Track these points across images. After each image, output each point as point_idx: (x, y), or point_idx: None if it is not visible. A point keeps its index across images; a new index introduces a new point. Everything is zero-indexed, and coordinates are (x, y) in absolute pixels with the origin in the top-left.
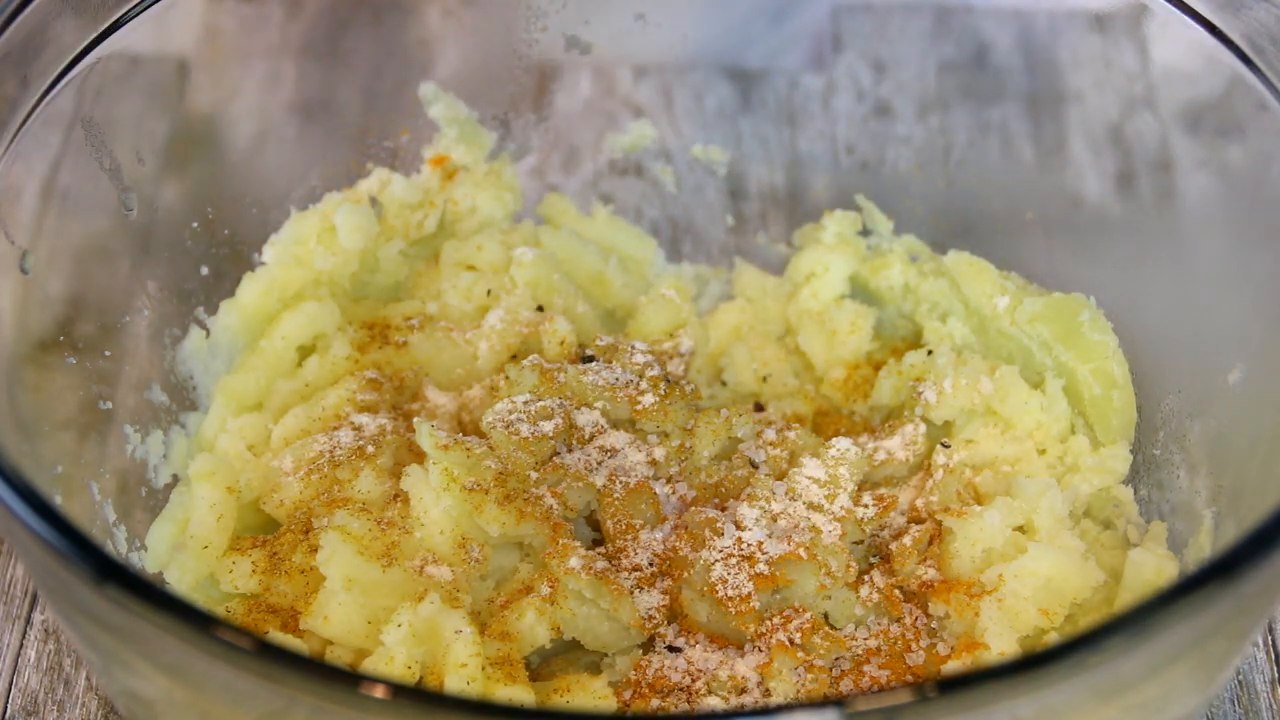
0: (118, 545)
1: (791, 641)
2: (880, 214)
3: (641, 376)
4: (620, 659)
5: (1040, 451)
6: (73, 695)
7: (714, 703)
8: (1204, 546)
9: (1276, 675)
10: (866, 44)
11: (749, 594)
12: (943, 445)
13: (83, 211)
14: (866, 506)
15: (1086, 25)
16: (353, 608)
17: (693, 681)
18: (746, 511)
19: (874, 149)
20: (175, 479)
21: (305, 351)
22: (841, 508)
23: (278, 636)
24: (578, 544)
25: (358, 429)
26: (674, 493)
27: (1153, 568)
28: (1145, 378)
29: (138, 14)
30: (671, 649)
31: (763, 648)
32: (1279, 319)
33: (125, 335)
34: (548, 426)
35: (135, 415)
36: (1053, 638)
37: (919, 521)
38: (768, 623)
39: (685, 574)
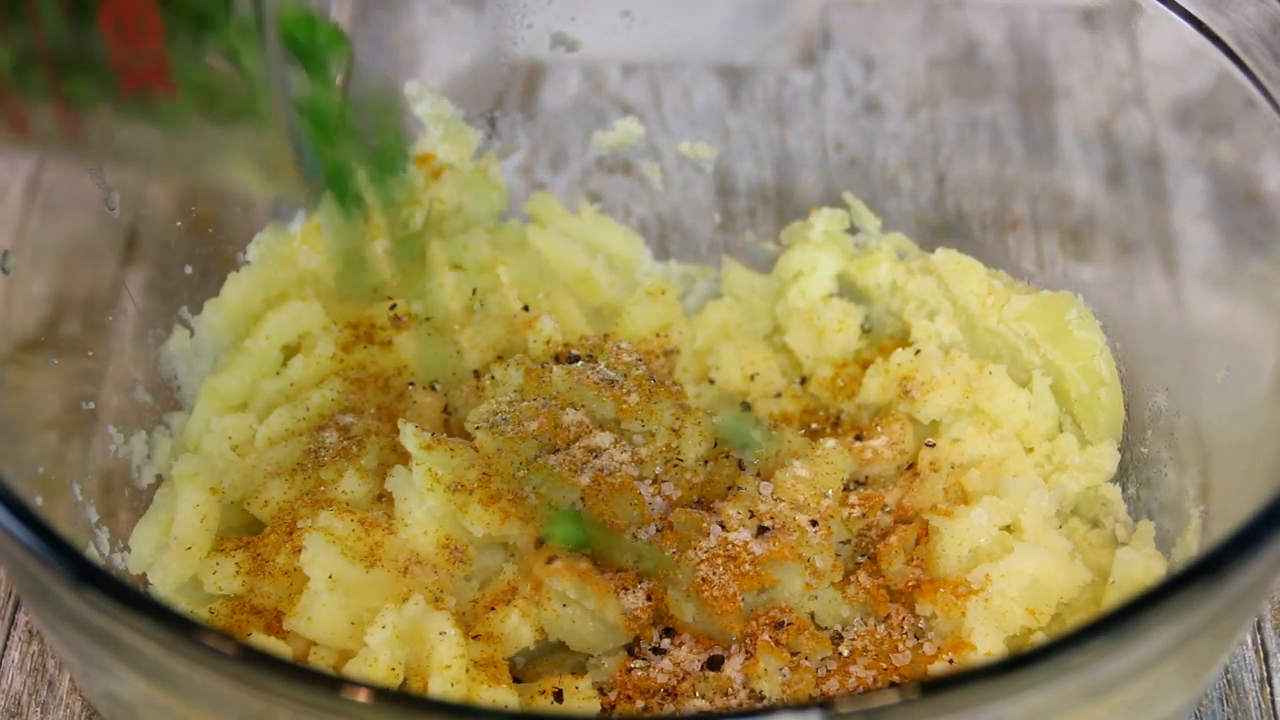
0: (100, 547)
1: (777, 642)
2: (868, 211)
3: (627, 376)
4: (606, 660)
5: (1028, 450)
6: (56, 697)
7: (699, 704)
8: (1191, 545)
9: (1265, 674)
10: (856, 40)
11: (735, 594)
12: (927, 444)
13: (66, 211)
14: (853, 506)
15: (1076, 21)
16: (336, 609)
17: (678, 682)
18: (732, 512)
19: (863, 146)
20: (159, 479)
21: (290, 351)
22: (828, 507)
23: (260, 639)
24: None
25: (342, 429)
26: (659, 493)
27: (1140, 567)
28: (1133, 376)
29: None
30: (656, 650)
31: (749, 648)
32: (1267, 317)
33: (109, 335)
34: (532, 426)
35: (119, 416)
36: (1039, 638)
37: (906, 521)
38: (753, 623)
39: (671, 574)
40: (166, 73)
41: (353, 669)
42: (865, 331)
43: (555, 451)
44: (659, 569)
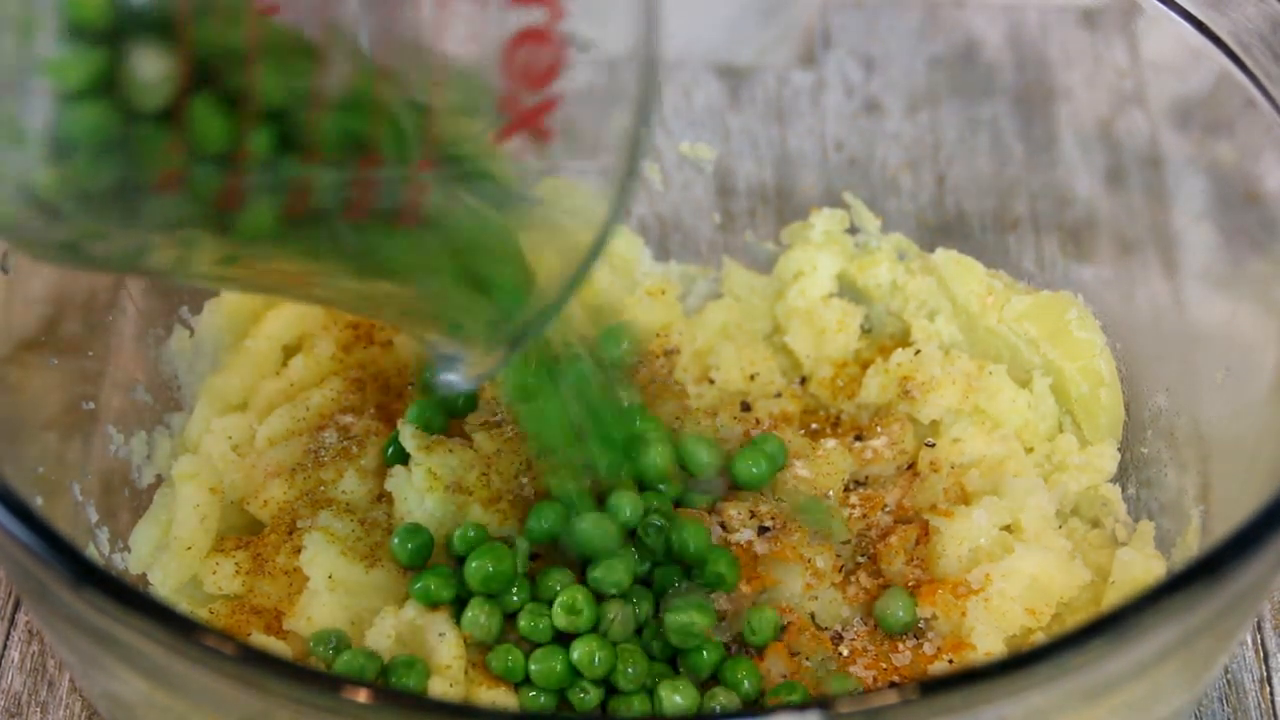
0: (100, 547)
1: (778, 642)
2: (868, 211)
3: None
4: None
5: (1028, 450)
6: (56, 697)
7: None
8: (1191, 545)
9: (1265, 674)
10: (856, 40)
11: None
12: (927, 444)
13: None
14: (853, 506)
15: (1076, 21)
16: (336, 609)
17: None
18: (733, 512)
19: (863, 146)
20: (159, 479)
21: (290, 351)
22: (828, 507)
23: (260, 639)
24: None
25: (342, 429)
26: None
27: (1140, 567)
28: (1133, 376)
29: None
30: None
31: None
32: (1267, 317)
33: (109, 335)
34: None
35: (119, 415)
36: (1039, 638)
37: (906, 521)
38: None
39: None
40: (546, 114)
41: None
42: (865, 331)
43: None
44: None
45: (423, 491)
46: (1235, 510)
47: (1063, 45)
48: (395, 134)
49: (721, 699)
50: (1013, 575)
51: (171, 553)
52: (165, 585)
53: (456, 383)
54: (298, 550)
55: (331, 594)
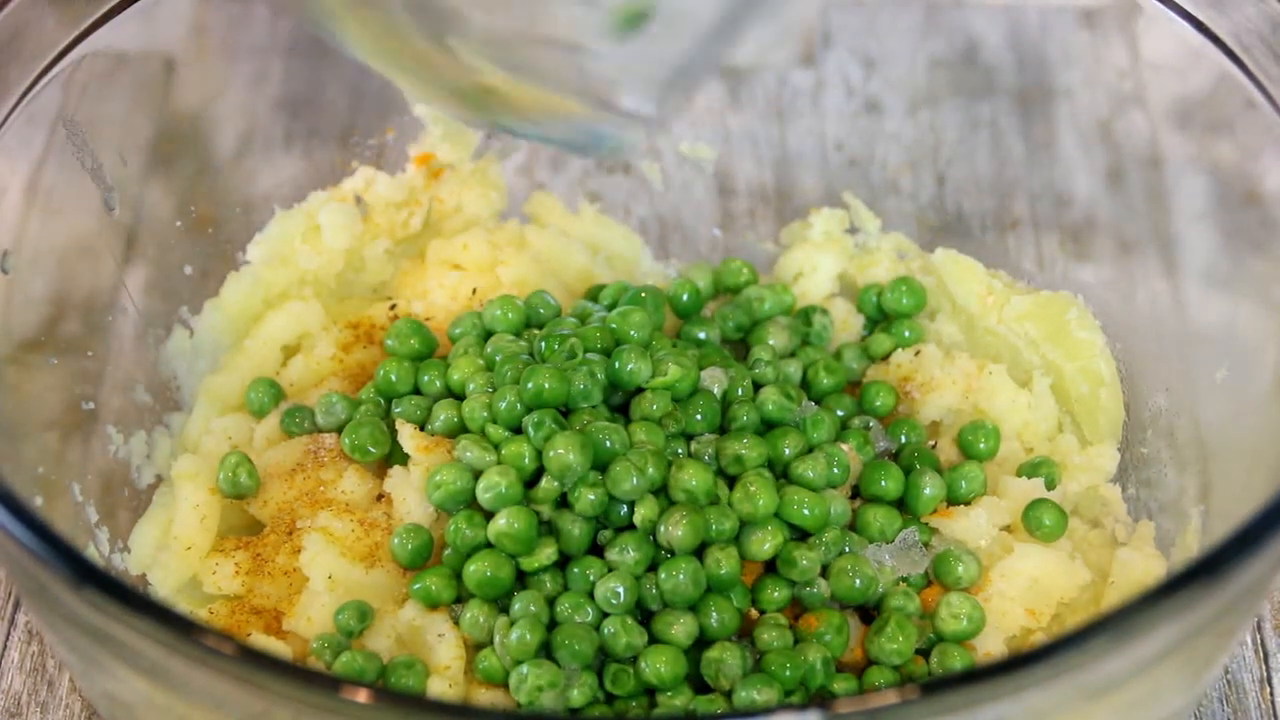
0: (100, 547)
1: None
2: (867, 211)
3: None
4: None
5: (1027, 450)
6: (56, 697)
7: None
8: (1191, 545)
9: (1265, 674)
10: (856, 40)
11: None
12: (928, 445)
13: (66, 211)
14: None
15: (1076, 21)
16: (336, 609)
17: None
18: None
19: (863, 146)
20: (159, 479)
21: (290, 351)
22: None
23: (260, 639)
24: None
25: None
26: None
27: (1140, 567)
28: (1133, 376)
29: (123, 10)
30: None
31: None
32: (1267, 317)
33: (109, 335)
34: None
35: (118, 416)
36: (1039, 638)
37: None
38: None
39: None
40: None
41: None
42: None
43: None
44: None
45: (422, 492)
46: (1235, 510)
47: (1063, 45)
48: None
49: None
50: (1013, 576)
51: (171, 553)
52: (165, 585)
53: (618, 135)
54: (298, 550)
55: (331, 594)
